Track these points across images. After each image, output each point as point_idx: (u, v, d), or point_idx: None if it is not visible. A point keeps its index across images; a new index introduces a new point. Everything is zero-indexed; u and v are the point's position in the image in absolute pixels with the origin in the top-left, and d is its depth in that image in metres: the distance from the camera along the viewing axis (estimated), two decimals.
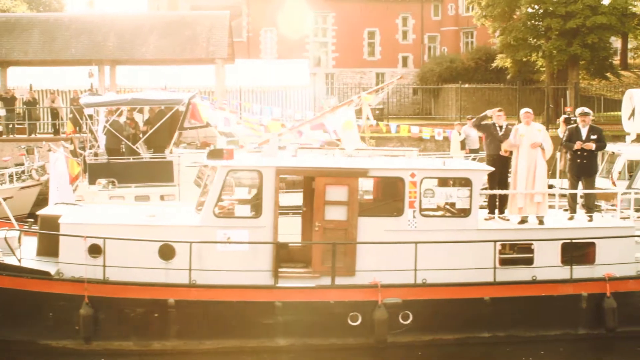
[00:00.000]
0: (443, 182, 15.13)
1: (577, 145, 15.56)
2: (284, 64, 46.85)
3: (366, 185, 15.59)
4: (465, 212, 14.57)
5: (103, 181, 17.90)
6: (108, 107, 21.38)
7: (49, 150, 22.07)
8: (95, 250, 13.51)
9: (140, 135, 20.71)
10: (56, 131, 32.82)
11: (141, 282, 13.41)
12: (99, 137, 21.45)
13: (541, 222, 15.09)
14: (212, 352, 13.62)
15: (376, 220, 14.33)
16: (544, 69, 46.38)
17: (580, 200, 16.00)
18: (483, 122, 16.46)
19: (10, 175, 25.01)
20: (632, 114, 21.98)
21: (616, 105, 39.34)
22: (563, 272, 14.46)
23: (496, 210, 15.74)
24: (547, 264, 14.47)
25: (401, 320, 13.91)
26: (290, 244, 14.86)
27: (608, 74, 46.57)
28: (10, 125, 33.00)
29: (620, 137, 26.11)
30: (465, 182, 14.59)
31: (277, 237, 13.99)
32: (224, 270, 13.58)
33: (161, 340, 13.56)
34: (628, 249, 14.87)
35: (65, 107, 34.33)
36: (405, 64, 65.27)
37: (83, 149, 21.89)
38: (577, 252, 14.81)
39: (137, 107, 22.32)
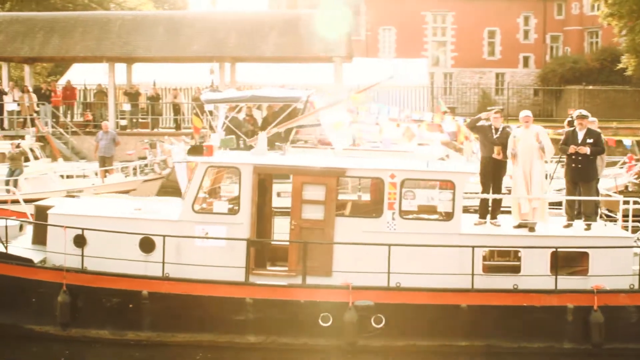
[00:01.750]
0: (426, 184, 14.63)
1: (571, 149, 14.87)
2: (402, 63, 46.48)
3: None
4: (447, 216, 14.07)
5: None
6: (228, 104, 21.66)
7: (171, 144, 22.59)
8: (79, 241, 13.93)
9: (259, 132, 20.84)
10: (177, 126, 33.65)
11: (116, 273, 13.69)
12: (219, 132, 21.75)
13: (532, 230, 14.34)
14: (185, 345, 13.71)
15: (354, 220, 14.14)
16: None
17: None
18: (478, 124, 15.78)
19: (134, 169, 25.74)
20: None
21: None
22: (552, 282, 13.63)
23: (488, 216, 14.99)
24: (535, 273, 13.69)
25: (374, 324, 13.54)
26: (273, 242, 14.75)
27: None
28: (134, 120, 34.04)
29: None
30: (448, 185, 14.10)
31: (254, 235, 14.03)
32: (200, 265, 13.68)
33: (136, 330, 13.80)
34: (624, 260, 13.84)
35: (186, 102, 35.14)
36: (526, 64, 63.78)
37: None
38: (569, 262, 14.18)
39: (256, 104, 22.51)
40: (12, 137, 28.80)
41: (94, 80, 37.53)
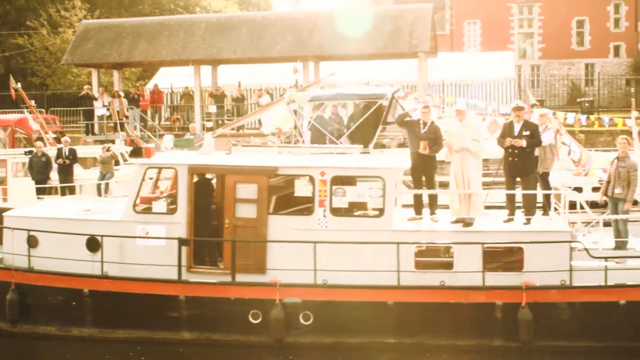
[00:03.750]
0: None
1: (507, 142, 14.60)
2: (488, 56, 45.61)
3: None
4: (379, 212, 13.94)
5: None
6: (312, 103, 21.57)
7: (256, 144, 22.63)
8: (30, 241, 14.66)
9: (345, 130, 20.69)
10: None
11: (60, 272, 14.30)
12: (303, 132, 21.69)
13: (467, 225, 14.20)
14: (124, 341, 14.17)
15: (286, 218, 14.23)
16: None
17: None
18: (407, 119, 15.52)
19: None
20: None
21: None
22: (485, 278, 13.46)
23: (427, 211, 14.91)
24: (468, 269, 13.47)
25: (302, 321, 13.67)
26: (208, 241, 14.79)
27: None
28: (220, 121, 34.33)
29: None
30: (378, 180, 14.00)
31: (191, 234, 14.31)
32: (140, 264, 14.14)
33: (79, 327, 14.36)
34: (561, 256, 13.48)
35: (271, 103, 35.25)
36: (617, 54, 61.82)
37: (288, 144, 22.21)
38: (505, 257, 13.99)
39: (341, 102, 22.36)
40: (102, 142, 29.42)
41: (180, 84, 38.06)
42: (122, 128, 32.14)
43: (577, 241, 13.88)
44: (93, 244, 14.54)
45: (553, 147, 15.69)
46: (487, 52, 51.66)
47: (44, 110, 37.56)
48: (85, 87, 36.23)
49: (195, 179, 14.96)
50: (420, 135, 15.00)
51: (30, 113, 29.39)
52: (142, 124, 33.81)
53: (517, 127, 14.74)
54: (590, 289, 13.38)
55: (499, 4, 60.50)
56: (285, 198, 15.24)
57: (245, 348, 13.89)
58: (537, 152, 15.37)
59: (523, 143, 14.54)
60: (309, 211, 14.18)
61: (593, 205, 17.06)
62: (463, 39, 62.16)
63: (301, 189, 15.59)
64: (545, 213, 15.12)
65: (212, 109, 34.16)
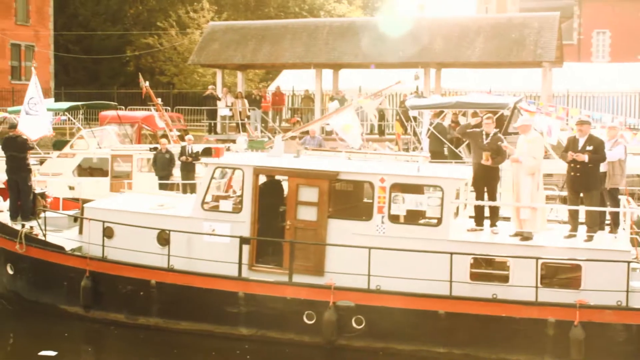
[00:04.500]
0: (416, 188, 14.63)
1: (569, 156, 14.12)
2: (617, 67, 44.14)
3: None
4: (436, 221, 14.03)
5: None
6: (432, 110, 21.44)
7: (375, 149, 22.65)
8: (108, 232, 15.43)
9: (463, 140, 20.46)
10: (381, 132, 33.77)
11: (130, 263, 15.01)
12: (422, 139, 21.59)
13: (526, 239, 13.91)
14: (187, 333, 14.72)
15: (345, 222, 14.38)
16: None
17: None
18: (469, 130, 15.22)
19: None
20: None
21: None
22: (541, 294, 13.15)
23: (488, 223, 14.72)
24: (523, 284, 13.22)
25: (354, 324, 13.82)
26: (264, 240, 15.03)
27: None
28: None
29: None
30: (437, 189, 14.14)
31: (255, 232, 14.69)
32: (205, 260, 14.62)
33: (146, 316, 15.00)
34: (618, 275, 12.96)
35: (390, 108, 35.22)
36: None
37: (407, 150, 22.16)
38: (563, 274, 13.76)
39: (462, 110, 22.13)
40: (224, 141, 30.11)
41: (301, 86, 38.52)
42: (244, 128, 32.80)
43: (635, 261, 13.39)
44: (163, 238, 15.17)
45: (622, 163, 15.13)
46: (616, 62, 50.02)
47: (169, 108, 38.81)
48: (210, 87, 37.19)
49: (264, 179, 15.44)
50: (483, 146, 14.84)
51: (156, 111, 30.38)
52: (262, 124, 34.40)
53: (581, 142, 14.32)
54: None
55: (630, 13, 58.40)
56: (353, 203, 15.48)
57: (298, 347, 14.15)
58: (604, 167, 14.89)
59: (585, 158, 14.08)
60: (367, 216, 14.33)
61: None
62: (591, 49, 60.38)
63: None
64: (613, 231, 14.60)
65: (371, 112, 34.28)
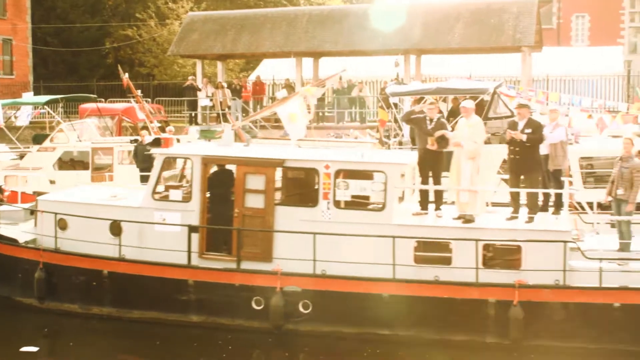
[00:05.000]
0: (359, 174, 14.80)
1: (508, 135, 14.57)
2: (596, 51, 44.33)
3: None
4: (380, 206, 14.21)
5: None
6: (413, 96, 21.45)
7: (356, 137, 22.65)
8: (62, 224, 15.63)
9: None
10: (362, 119, 33.77)
11: (82, 253, 15.25)
12: (403, 126, 21.59)
13: (468, 221, 14.22)
14: (139, 321, 14.96)
15: (292, 209, 14.62)
16: None
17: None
18: (413, 116, 15.44)
19: None
20: None
21: None
22: (483, 275, 13.51)
23: (433, 206, 15.01)
24: (465, 265, 13.57)
25: (301, 309, 14.10)
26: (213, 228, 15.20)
27: None
28: (320, 114, 34.50)
29: None
30: (380, 175, 14.31)
31: (205, 221, 14.92)
32: (156, 249, 14.82)
33: (99, 306, 15.23)
34: (556, 255, 13.29)
35: (371, 96, 35.21)
36: None
37: (388, 137, 22.16)
38: (504, 255, 14.00)
39: (442, 96, 22.14)
40: (205, 132, 29.99)
41: (282, 75, 38.43)
42: (225, 118, 32.69)
43: (571, 241, 13.62)
44: (115, 228, 15.33)
45: (564, 144, 15.47)
46: (595, 46, 50.23)
47: (149, 100, 38.61)
48: (190, 78, 37.04)
49: (215, 169, 15.65)
50: (427, 131, 15.04)
51: (136, 102, 30.23)
52: (243, 114, 34.30)
53: (520, 125, 14.66)
54: (584, 290, 13.22)
55: None
56: (302, 190, 15.70)
57: (247, 333, 14.42)
58: (545, 150, 15.25)
59: (523, 137, 14.36)
60: (313, 203, 14.52)
61: None
62: (570, 33, 60.61)
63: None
64: (556, 212, 14.90)
65: (313, 101, 34.26)
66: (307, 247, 14.14)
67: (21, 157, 26.30)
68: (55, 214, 15.62)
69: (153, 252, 14.90)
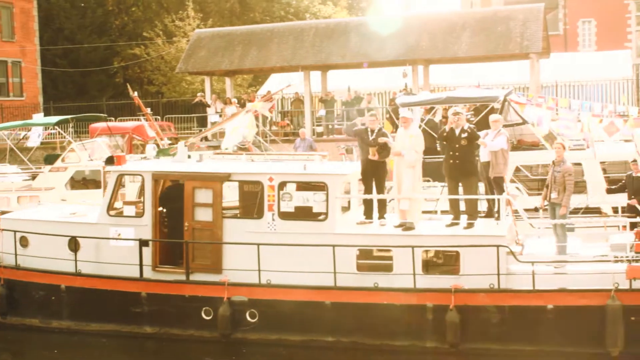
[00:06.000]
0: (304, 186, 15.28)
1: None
2: (603, 56, 44.24)
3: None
4: (323, 216, 14.58)
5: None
6: (423, 106, 21.45)
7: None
8: (23, 241, 16.20)
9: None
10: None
11: (40, 269, 15.78)
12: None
13: (408, 229, 14.56)
14: (96, 334, 15.47)
15: (239, 221, 15.23)
16: None
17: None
18: (355, 128, 15.88)
19: None
20: None
21: None
22: (425, 281, 13.90)
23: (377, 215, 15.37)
24: (408, 272, 13.87)
25: (249, 318, 14.59)
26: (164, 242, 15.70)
27: None
28: (330, 126, 34.54)
29: None
30: (322, 186, 14.69)
31: (157, 235, 15.40)
32: (113, 263, 15.34)
33: (58, 319, 15.74)
34: (491, 260, 13.60)
35: (380, 107, 35.23)
36: None
37: None
38: (444, 261, 14.44)
39: (452, 105, 22.14)
40: (214, 147, 30.05)
41: (290, 89, 38.44)
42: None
43: (504, 245, 13.81)
44: (73, 244, 15.84)
45: (505, 152, 15.80)
46: (602, 51, 50.14)
47: (159, 117, 38.73)
48: (199, 94, 37.14)
49: (169, 184, 16.23)
50: (369, 142, 15.44)
51: (146, 120, 30.32)
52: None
53: (457, 132, 15.05)
54: (518, 293, 13.59)
55: (615, 1, 58.56)
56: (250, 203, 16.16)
57: (198, 343, 14.92)
58: (487, 157, 15.74)
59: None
60: (259, 215, 15.00)
61: None
62: (577, 39, 60.45)
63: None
64: (498, 218, 15.10)
65: (322, 112, 34.36)
66: (255, 258, 14.60)
67: (33, 177, 26.39)
68: (14, 231, 16.15)
69: (109, 267, 15.44)
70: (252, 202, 15.80)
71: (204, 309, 14.80)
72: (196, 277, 15.07)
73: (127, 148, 30.48)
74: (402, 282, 13.99)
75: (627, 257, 13.75)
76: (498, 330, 13.54)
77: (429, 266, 14.36)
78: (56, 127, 30.18)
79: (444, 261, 14.63)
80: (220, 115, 34.19)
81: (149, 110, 30.19)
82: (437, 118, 21.03)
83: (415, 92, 29.78)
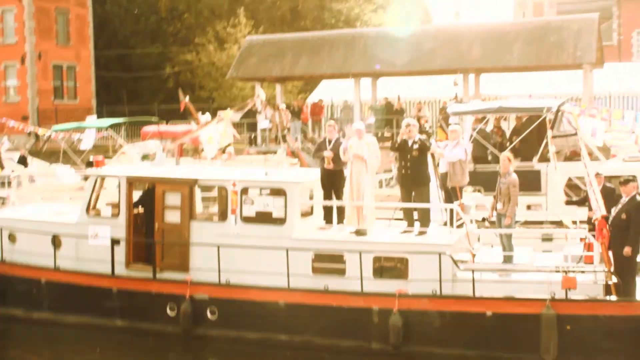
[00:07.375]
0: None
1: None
2: None
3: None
4: (281, 221, 15.23)
5: (469, 189, 17.85)
6: (474, 115, 21.33)
7: None
8: (11, 238, 17.30)
9: (507, 144, 20.32)
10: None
11: (23, 264, 16.87)
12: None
13: (361, 234, 15.18)
14: (73, 326, 16.31)
15: (205, 224, 16.09)
16: None
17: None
18: (319, 141, 16.83)
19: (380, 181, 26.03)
20: None
21: None
22: (376, 285, 14.47)
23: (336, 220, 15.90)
24: (358, 276, 14.47)
25: (209, 315, 15.31)
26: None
27: None
28: (380, 134, 34.49)
29: None
30: (281, 192, 15.44)
31: (131, 234, 16.29)
32: (89, 260, 16.24)
33: (38, 311, 16.67)
34: (435, 266, 14.14)
35: (430, 116, 35.11)
36: None
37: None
38: (395, 266, 14.77)
39: (504, 115, 21.98)
40: (264, 153, 30.22)
41: (340, 97, 38.55)
42: (284, 140, 32.90)
43: (445, 253, 14.23)
44: (56, 241, 16.82)
45: (463, 163, 16.38)
46: None
47: (209, 118, 38.95)
48: (252, 100, 37.35)
49: (146, 187, 17.25)
50: (318, 154, 16.28)
51: (197, 125, 30.56)
52: (302, 135, 34.48)
53: (409, 142, 15.42)
54: (458, 299, 14.06)
55: None
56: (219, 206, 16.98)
57: (163, 337, 15.60)
58: (445, 168, 16.40)
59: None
60: (223, 218, 15.86)
61: None
62: (632, 49, 59.63)
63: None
64: (451, 225, 15.41)
65: (371, 121, 34.37)
66: (217, 259, 15.36)
67: (85, 179, 26.81)
68: (1, 229, 17.31)
69: (87, 263, 16.38)
70: (222, 206, 16.63)
71: (168, 305, 15.56)
72: (166, 275, 15.87)
73: (178, 152, 30.79)
74: (354, 285, 14.61)
75: (567, 267, 14.02)
76: (439, 334, 14.00)
77: (382, 271, 14.81)
78: (109, 129, 30.63)
79: (395, 267, 15.00)
80: (270, 122, 34.39)
81: (199, 113, 30.49)
82: (489, 128, 20.86)
83: (466, 101, 29.63)
